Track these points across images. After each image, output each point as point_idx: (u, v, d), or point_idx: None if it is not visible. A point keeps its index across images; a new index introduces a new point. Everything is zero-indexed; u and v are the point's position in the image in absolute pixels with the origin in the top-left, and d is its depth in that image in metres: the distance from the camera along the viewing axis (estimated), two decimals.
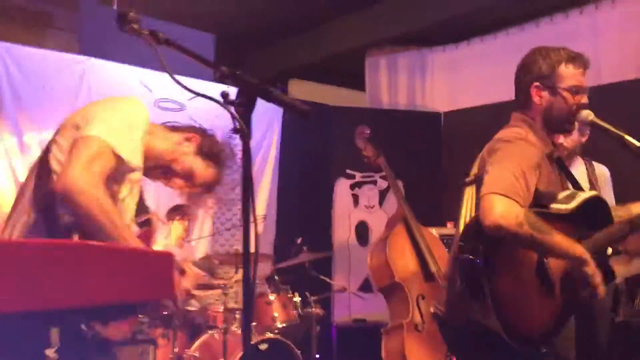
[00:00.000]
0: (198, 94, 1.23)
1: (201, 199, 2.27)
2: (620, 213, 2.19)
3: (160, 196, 4.91)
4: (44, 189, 1.74)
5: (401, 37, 5.93)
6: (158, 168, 2.03)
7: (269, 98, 1.20)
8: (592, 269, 1.87)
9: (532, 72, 2.05)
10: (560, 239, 1.86)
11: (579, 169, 3.24)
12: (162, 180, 2.08)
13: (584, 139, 3.23)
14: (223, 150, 2.13)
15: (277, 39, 6.46)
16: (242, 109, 1.19)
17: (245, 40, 6.27)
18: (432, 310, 3.56)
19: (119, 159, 1.75)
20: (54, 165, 1.77)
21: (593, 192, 2.10)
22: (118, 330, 1.85)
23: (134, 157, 1.82)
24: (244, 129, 1.15)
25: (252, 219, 1.27)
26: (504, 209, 1.77)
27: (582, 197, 1.99)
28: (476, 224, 1.86)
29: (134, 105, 1.90)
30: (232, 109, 1.21)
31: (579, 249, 1.88)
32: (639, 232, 2.22)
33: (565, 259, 1.92)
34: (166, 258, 1.08)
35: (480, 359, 2.01)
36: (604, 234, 2.04)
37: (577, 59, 2.05)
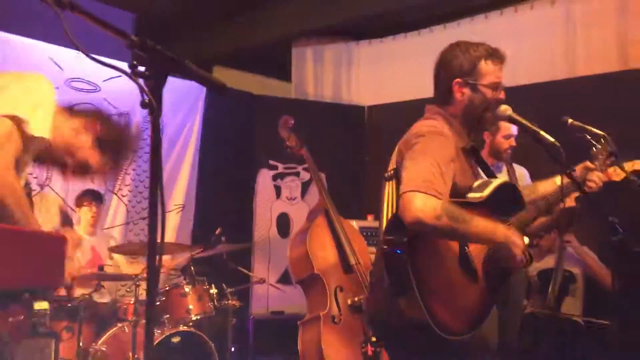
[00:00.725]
0: (103, 64, 1.12)
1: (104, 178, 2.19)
2: (527, 192, 2.27)
3: (69, 182, 4.65)
4: None
5: (328, 28, 5.91)
6: (51, 159, 1.98)
7: (182, 71, 1.11)
8: (512, 240, 1.93)
9: (452, 68, 2.06)
10: (480, 225, 1.89)
11: (501, 170, 3.40)
12: (56, 169, 2.03)
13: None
14: (124, 135, 2.08)
15: (202, 24, 6.26)
16: (152, 82, 1.10)
17: (168, 23, 6.03)
18: (349, 302, 3.61)
19: (27, 137, 1.68)
20: None
21: (503, 179, 2.15)
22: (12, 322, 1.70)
23: (44, 131, 1.75)
24: (152, 104, 1.06)
25: (160, 204, 1.17)
26: (422, 205, 1.78)
27: (493, 184, 2.04)
28: (397, 220, 1.86)
29: (40, 84, 1.85)
30: (142, 81, 1.11)
31: (499, 229, 1.93)
32: (548, 213, 2.33)
33: (488, 243, 1.96)
34: (58, 240, 0.97)
35: (412, 352, 2.01)
36: (519, 217, 2.11)
37: (495, 55, 2.08)
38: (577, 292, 4.11)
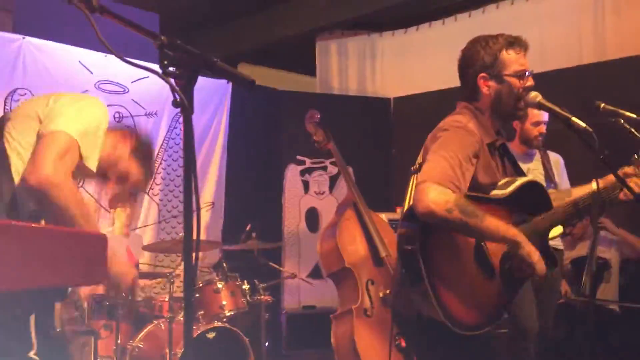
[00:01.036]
0: (135, 65, 1.14)
1: (130, 198, 2.34)
2: (562, 195, 2.23)
3: (110, 191, 4.73)
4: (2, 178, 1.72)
5: (351, 21, 5.89)
6: (95, 175, 2.04)
7: (211, 69, 1.12)
8: (526, 249, 1.88)
9: (475, 64, 2.05)
10: (492, 223, 1.86)
11: (534, 158, 3.36)
12: (98, 186, 2.16)
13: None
14: (151, 146, 2.25)
15: (225, 21, 6.30)
16: (183, 82, 1.12)
17: (191, 22, 6.09)
18: (381, 295, 3.60)
19: (81, 157, 1.78)
20: (13, 157, 1.75)
21: (529, 178, 2.12)
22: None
23: (92, 161, 1.83)
24: (184, 102, 1.08)
25: (194, 200, 1.19)
26: (435, 196, 1.78)
27: (517, 182, 2.01)
28: (412, 211, 1.86)
29: (98, 108, 1.92)
30: (173, 81, 1.12)
31: (511, 231, 1.89)
32: (586, 214, 2.28)
33: (500, 243, 1.93)
34: (100, 239, 1.00)
35: (432, 346, 2.01)
36: (545, 217, 2.06)
37: (516, 43, 2.05)
38: (612, 278, 4.05)
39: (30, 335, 1.25)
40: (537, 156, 3.42)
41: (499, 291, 1.95)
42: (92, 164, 1.85)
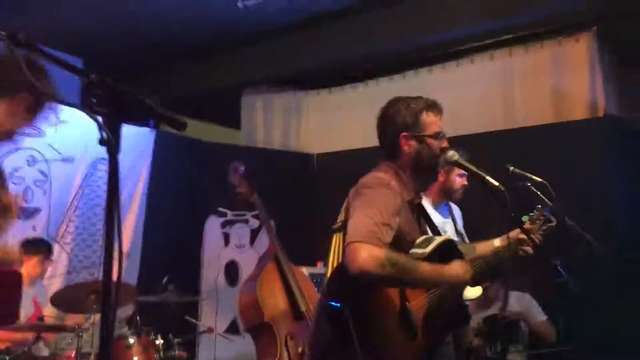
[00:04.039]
0: (62, 102, 1.11)
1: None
2: (465, 251, 2.33)
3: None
4: None
5: (277, 78, 6.02)
6: None
7: (141, 108, 1.12)
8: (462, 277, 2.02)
9: (396, 123, 2.15)
10: (426, 270, 1.94)
11: (447, 213, 3.39)
12: None
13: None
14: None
15: (151, 70, 6.27)
16: (112, 120, 1.10)
17: (116, 68, 6.00)
18: (300, 350, 3.55)
19: None
20: None
21: (446, 237, 2.20)
22: None
23: None
24: (111, 141, 1.06)
25: (116, 248, 1.15)
26: (366, 255, 1.82)
27: (436, 241, 2.09)
28: (341, 271, 1.89)
29: None
30: (100, 119, 1.11)
31: (445, 271, 1.98)
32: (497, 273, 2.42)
33: (438, 287, 2.01)
34: (12, 277, 0.94)
35: None
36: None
37: (434, 106, 2.19)
38: (523, 337, 4.19)
39: None
40: (447, 212, 3.42)
41: (419, 352, 2.00)
42: None
